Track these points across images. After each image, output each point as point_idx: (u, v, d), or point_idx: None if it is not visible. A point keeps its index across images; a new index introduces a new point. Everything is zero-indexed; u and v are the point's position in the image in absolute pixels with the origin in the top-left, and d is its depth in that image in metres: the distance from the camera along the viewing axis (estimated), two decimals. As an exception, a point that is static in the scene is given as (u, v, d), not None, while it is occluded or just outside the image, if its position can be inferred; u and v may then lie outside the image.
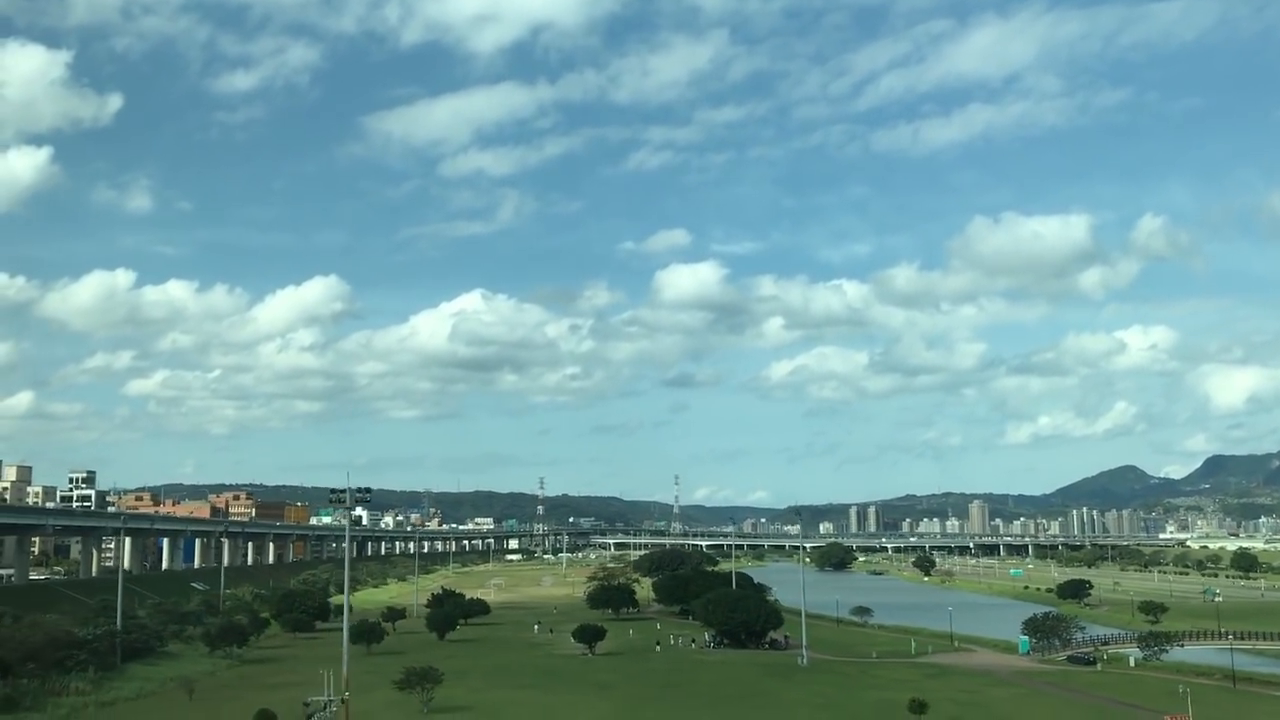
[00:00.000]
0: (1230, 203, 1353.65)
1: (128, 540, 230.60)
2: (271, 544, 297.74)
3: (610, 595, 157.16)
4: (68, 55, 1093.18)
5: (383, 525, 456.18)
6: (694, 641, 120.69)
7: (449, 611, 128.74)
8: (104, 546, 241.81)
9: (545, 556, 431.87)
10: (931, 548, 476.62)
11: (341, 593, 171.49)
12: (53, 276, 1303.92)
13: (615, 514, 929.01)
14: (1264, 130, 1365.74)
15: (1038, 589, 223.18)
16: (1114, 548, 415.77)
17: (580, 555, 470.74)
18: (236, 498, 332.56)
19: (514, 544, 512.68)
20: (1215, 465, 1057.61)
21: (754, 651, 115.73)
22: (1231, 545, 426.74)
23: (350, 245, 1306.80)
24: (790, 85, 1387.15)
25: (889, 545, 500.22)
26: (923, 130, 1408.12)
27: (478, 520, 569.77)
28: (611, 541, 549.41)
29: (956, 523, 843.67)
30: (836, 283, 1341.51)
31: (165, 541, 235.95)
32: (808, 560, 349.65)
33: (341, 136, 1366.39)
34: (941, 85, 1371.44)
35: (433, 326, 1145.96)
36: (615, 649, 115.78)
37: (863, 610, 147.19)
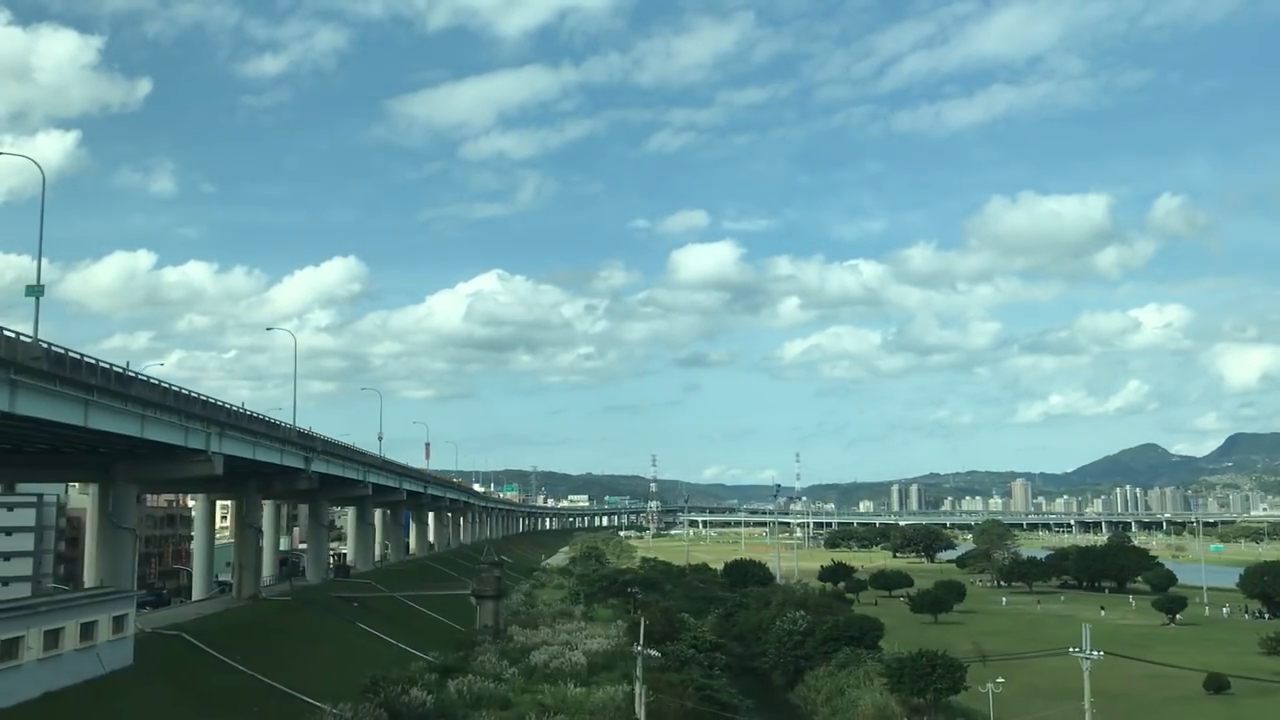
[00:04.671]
0: (1249, 181, 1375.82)
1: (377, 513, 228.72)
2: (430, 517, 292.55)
3: (1026, 569, 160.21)
4: (99, 41, 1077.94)
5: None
6: (1246, 612, 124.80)
7: (957, 586, 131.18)
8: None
9: (681, 533, 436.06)
10: (1029, 525, 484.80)
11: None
12: (75, 258, 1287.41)
13: (647, 491, 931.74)
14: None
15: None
16: (1220, 524, 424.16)
17: (685, 531, 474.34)
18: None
19: (603, 520, 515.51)
20: (1235, 443, 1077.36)
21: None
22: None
23: (369, 226, 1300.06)
24: (814, 67, 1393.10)
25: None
26: (944, 111, 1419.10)
27: (572, 498, 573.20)
28: (700, 520, 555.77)
29: (999, 500, 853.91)
30: (853, 262, 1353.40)
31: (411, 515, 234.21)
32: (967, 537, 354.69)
33: (365, 119, 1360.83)
34: (964, 67, 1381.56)
35: (449, 307, 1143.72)
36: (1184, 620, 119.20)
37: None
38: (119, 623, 52.39)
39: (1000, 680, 56.95)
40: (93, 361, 45.87)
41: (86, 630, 48.91)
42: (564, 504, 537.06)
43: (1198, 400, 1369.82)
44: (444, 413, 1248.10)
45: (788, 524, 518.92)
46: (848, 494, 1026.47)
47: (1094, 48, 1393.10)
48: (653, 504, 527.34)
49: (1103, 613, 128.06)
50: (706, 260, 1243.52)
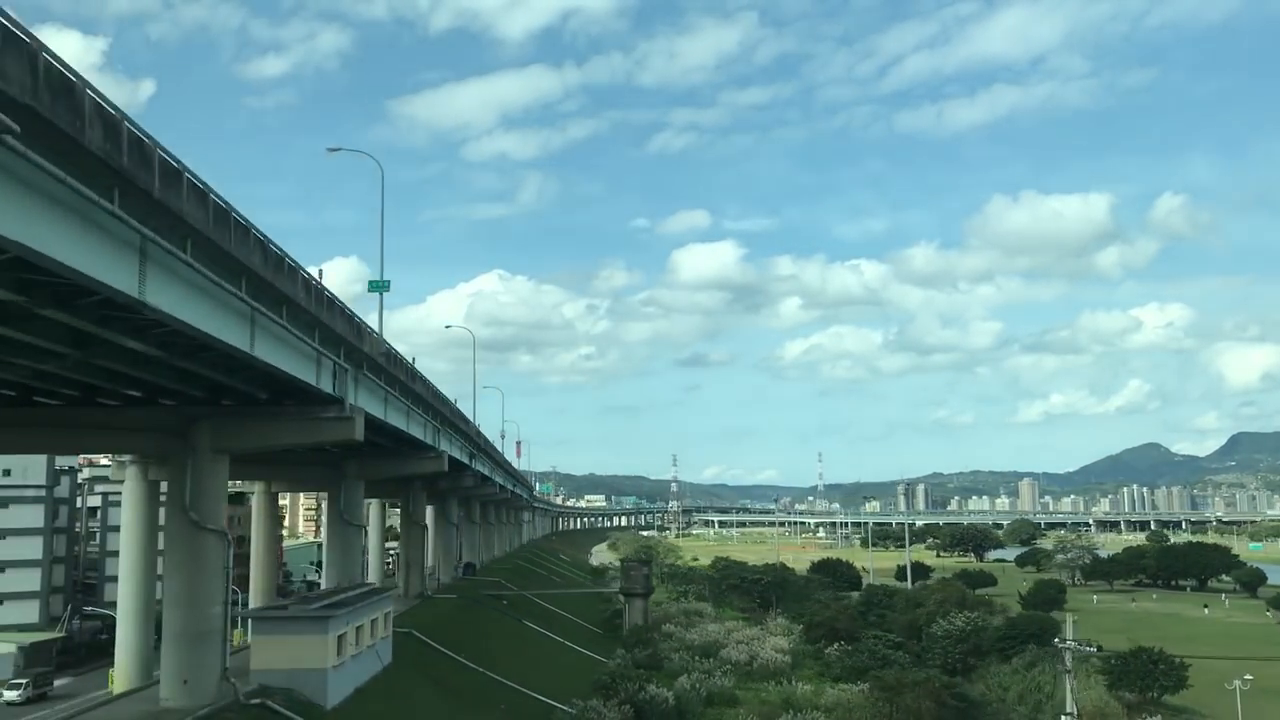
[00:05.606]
0: (1251, 180, 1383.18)
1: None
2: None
3: (1107, 567, 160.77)
4: (104, 43, 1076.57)
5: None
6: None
7: (1059, 584, 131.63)
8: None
9: (702, 533, 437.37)
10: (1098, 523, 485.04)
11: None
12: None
13: (651, 491, 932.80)
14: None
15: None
16: (1250, 523, 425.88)
17: (707, 531, 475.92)
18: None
19: (621, 520, 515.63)
20: (1238, 442, 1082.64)
21: None
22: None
23: (370, 226, 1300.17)
24: (816, 67, 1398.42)
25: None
26: (946, 111, 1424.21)
27: (589, 498, 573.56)
28: (716, 519, 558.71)
29: (1006, 500, 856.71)
30: (855, 262, 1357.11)
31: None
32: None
33: (367, 120, 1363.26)
34: (967, 67, 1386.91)
35: (450, 307, 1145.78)
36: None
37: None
38: (387, 620, 52.40)
39: (1249, 677, 57.12)
40: (399, 355, 45.67)
41: (373, 627, 48.93)
42: (582, 504, 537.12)
43: (1199, 399, 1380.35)
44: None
45: (805, 523, 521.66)
46: (851, 494, 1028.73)
47: (1097, 48, 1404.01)
48: (673, 504, 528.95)
49: (1206, 610, 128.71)
50: (707, 260, 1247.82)
